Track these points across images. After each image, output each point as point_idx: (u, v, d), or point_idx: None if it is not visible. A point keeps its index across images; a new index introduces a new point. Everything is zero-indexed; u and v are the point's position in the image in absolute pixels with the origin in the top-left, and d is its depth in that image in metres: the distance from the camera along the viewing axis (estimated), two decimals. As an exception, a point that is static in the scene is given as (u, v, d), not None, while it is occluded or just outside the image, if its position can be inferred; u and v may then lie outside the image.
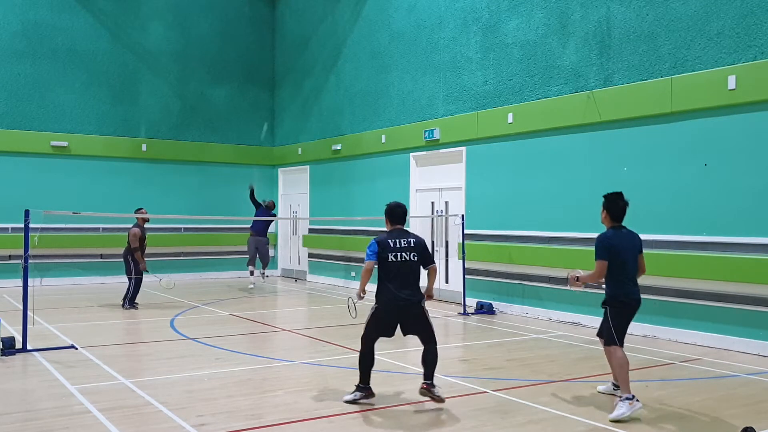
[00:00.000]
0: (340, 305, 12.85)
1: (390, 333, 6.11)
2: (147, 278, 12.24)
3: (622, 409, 5.53)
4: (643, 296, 9.57)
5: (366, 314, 6.13)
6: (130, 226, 12.37)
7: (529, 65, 11.48)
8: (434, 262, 6.30)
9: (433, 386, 5.91)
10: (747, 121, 8.53)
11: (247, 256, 15.57)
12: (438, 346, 6.06)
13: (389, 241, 6.07)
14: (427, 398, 5.94)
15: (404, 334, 6.19)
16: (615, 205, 6.07)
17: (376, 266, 6.06)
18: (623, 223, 6.13)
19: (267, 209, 15.74)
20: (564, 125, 10.81)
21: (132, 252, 11.98)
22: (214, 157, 18.13)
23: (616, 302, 5.94)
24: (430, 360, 6.01)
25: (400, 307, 5.96)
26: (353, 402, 5.95)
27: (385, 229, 6.37)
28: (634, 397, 5.64)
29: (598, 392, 6.41)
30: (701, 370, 7.49)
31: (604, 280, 5.98)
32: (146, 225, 12.55)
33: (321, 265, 17.08)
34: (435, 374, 6.00)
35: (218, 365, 7.52)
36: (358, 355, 6.09)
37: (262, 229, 15.46)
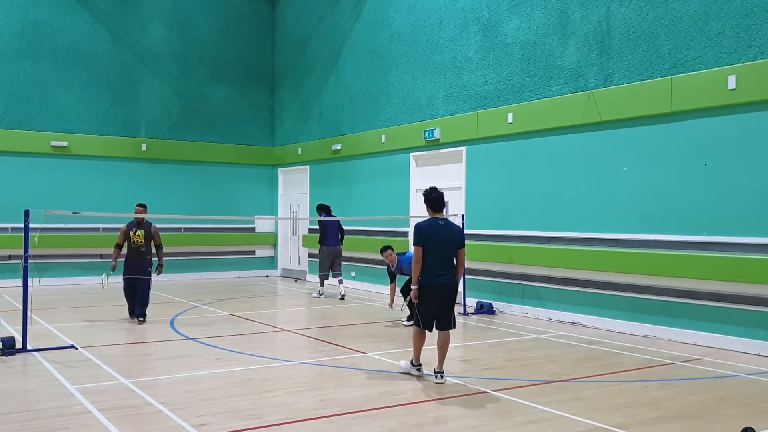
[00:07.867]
0: (340, 305, 12.86)
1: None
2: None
3: None
4: (643, 296, 9.73)
5: None
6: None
7: (529, 65, 11.48)
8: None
9: None
10: (747, 121, 8.52)
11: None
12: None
13: None
14: (427, 398, 5.96)
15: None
16: None
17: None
18: None
19: (327, 213, 13.91)
20: (564, 125, 10.81)
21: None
22: (214, 157, 18.13)
23: None
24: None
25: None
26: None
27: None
28: None
29: None
30: (701, 370, 7.49)
31: None
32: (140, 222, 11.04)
33: (321, 265, 17.06)
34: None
35: (218, 365, 7.52)
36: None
37: (332, 237, 13.62)
